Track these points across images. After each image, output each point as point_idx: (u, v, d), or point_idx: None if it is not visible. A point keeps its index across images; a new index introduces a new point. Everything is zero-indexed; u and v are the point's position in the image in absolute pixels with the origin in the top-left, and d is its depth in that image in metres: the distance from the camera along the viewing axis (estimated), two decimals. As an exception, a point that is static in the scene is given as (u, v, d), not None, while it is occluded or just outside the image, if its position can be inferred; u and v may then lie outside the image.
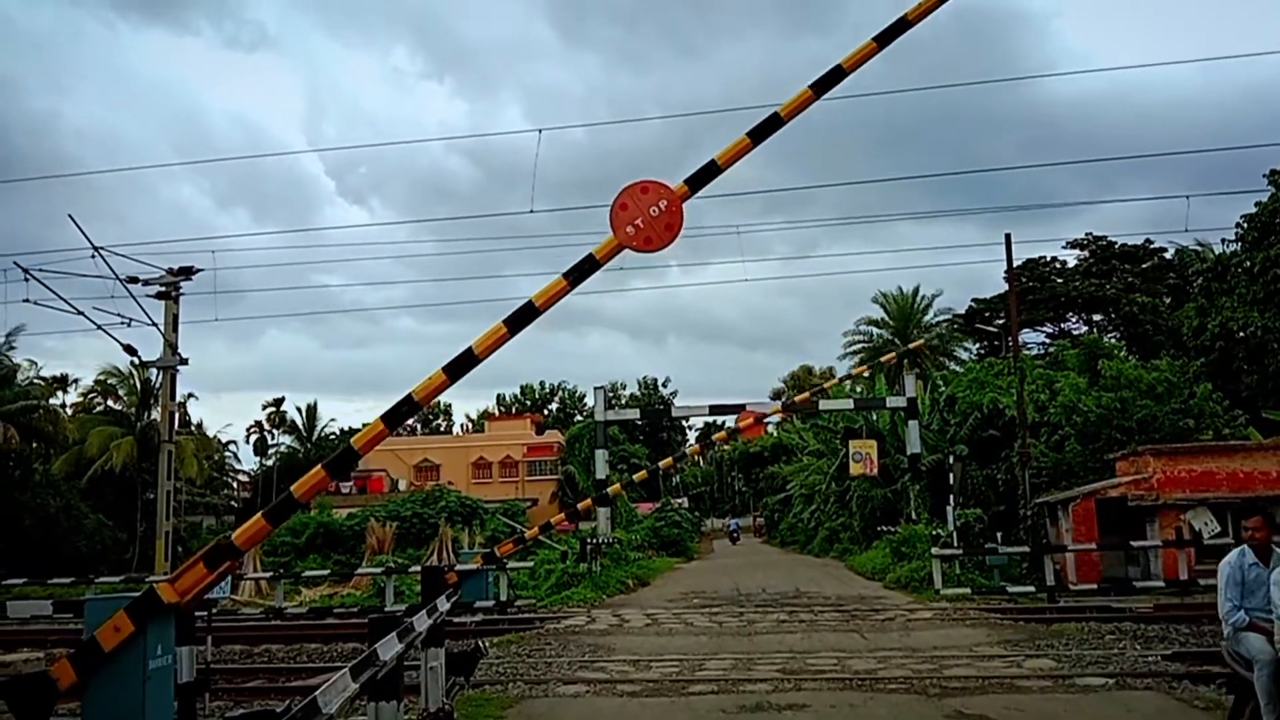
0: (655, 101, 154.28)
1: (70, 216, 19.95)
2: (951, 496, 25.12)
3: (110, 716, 5.53)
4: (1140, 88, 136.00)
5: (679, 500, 59.50)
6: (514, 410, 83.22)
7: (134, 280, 22.49)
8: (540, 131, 14.21)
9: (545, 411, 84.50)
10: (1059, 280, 49.62)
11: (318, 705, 4.20)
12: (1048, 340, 49.04)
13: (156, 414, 37.94)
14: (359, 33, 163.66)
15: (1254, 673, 6.45)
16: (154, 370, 31.42)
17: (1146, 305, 43.72)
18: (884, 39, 8.16)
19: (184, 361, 23.37)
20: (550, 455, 61.92)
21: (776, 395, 72.23)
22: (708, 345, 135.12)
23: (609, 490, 29.54)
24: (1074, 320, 50.02)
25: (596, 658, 12.61)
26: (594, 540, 25.73)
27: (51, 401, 46.88)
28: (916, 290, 53.74)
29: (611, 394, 77.17)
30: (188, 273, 23.42)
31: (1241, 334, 30.87)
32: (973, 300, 52.46)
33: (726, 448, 73.21)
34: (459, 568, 20.09)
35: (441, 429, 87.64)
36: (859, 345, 53.72)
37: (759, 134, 7.88)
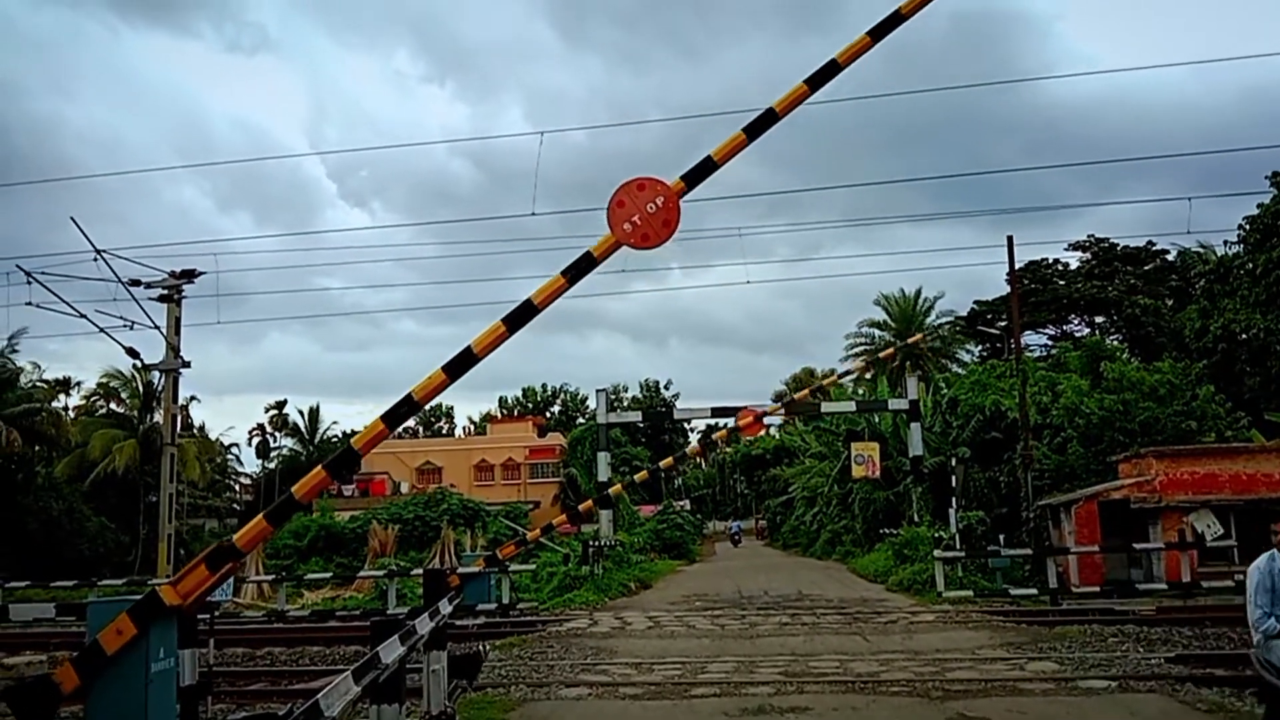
0: (656, 103, 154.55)
1: (72, 219, 20.06)
2: (954, 499, 25.11)
3: (112, 719, 5.54)
4: (1141, 89, 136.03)
5: (681, 503, 59.52)
6: (516, 413, 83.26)
7: (136, 283, 22.56)
8: (542, 134, 14.27)
9: (547, 414, 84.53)
10: (1061, 282, 49.60)
11: (320, 708, 4.20)
12: (1050, 342, 49.03)
13: (159, 417, 37.93)
14: (360, 36, 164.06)
15: None
16: (156, 373, 31.42)
17: (1149, 307, 43.68)
18: (878, 33, 8.16)
19: (186, 364, 23.42)
20: (552, 458, 61.96)
21: (779, 398, 72.11)
22: (710, 348, 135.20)
23: (610, 491, 29.53)
24: (1076, 322, 50.00)
25: (599, 660, 12.61)
26: (596, 543, 25.72)
27: (54, 404, 47.00)
28: (919, 292, 53.88)
29: (613, 396, 77.20)
30: (190, 275, 23.48)
31: (1244, 336, 30.85)
32: (975, 302, 52.52)
33: (728, 450, 73.18)
34: (461, 570, 19.96)
35: (444, 431, 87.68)
36: (861, 347, 53.77)
37: (754, 129, 7.88)
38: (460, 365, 7.16)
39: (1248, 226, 31.89)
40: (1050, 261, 50.61)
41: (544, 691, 10.32)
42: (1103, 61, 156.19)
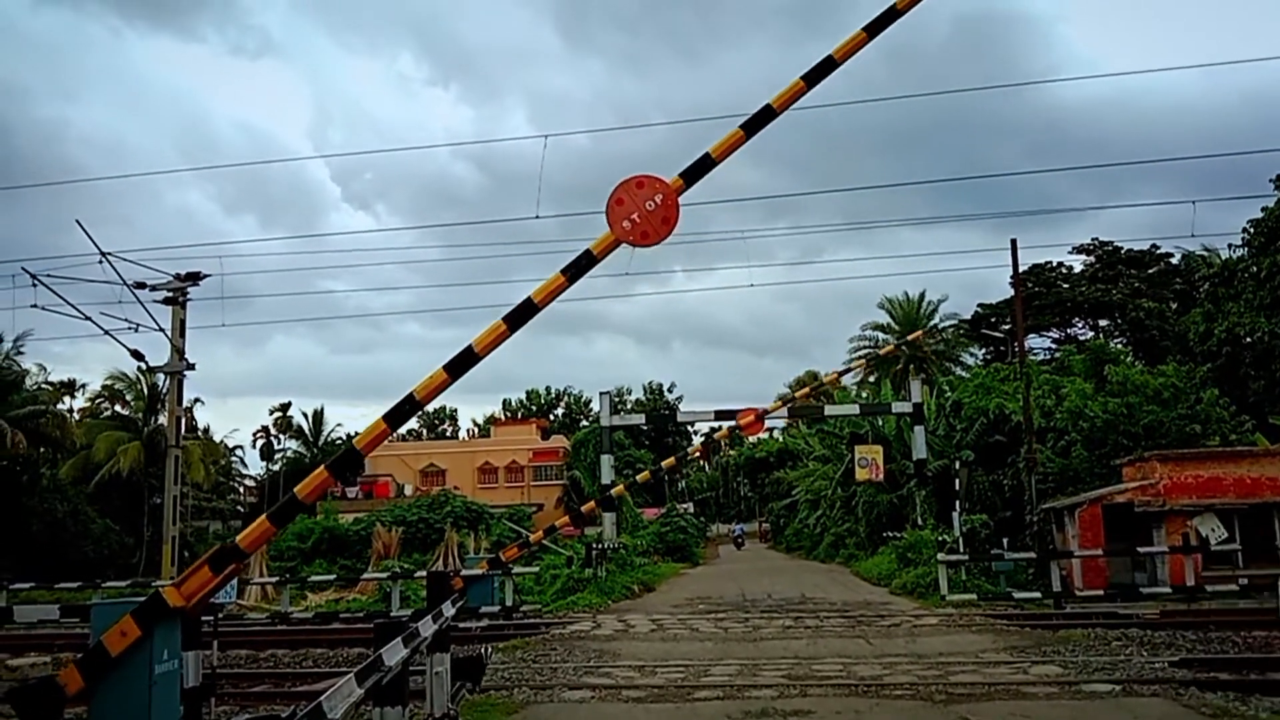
0: (659, 106, 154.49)
1: (78, 222, 20.11)
2: (957, 502, 25.07)
3: (117, 721, 5.56)
4: (1145, 93, 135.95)
5: (684, 505, 59.47)
6: (520, 415, 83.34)
7: (141, 286, 22.58)
8: (546, 137, 14.29)
9: (551, 417, 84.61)
10: (1065, 285, 49.53)
11: (323, 710, 4.22)
12: (1054, 346, 48.96)
13: (163, 419, 38.04)
14: (364, 39, 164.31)
15: None
16: (161, 375, 31.57)
17: (1153, 310, 43.60)
18: (874, 29, 8.19)
19: (191, 367, 23.44)
20: (556, 460, 62.01)
21: (783, 401, 72.11)
22: (713, 350, 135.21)
23: (612, 492, 29.52)
24: (1080, 325, 49.92)
25: (602, 663, 12.61)
26: (600, 545, 25.71)
27: (59, 406, 47.17)
28: (922, 295, 53.83)
29: (617, 399, 77.10)
30: (195, 278, 23.49)
31: (1248, 339, 30.78)
32: (978, 305, 52.46)
33: (732, 453, 73.14)
34: (464, 573, 20.08)
35: (447, 434, 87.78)
36: (864, 350, 53.73)
37: (752, 126, 7.90)
38: (461, 364, 7.18)
39: (1252, 230, 31.82)
40: (1054, 265, 50.56)
41: (547, 694, 10.32)
42: (1106, 64, 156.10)
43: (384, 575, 25.49)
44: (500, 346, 7.26)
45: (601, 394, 33.73)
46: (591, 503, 28.92)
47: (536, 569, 24.90)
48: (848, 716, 8.84)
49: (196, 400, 56.28)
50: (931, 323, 53.26)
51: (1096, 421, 26.29)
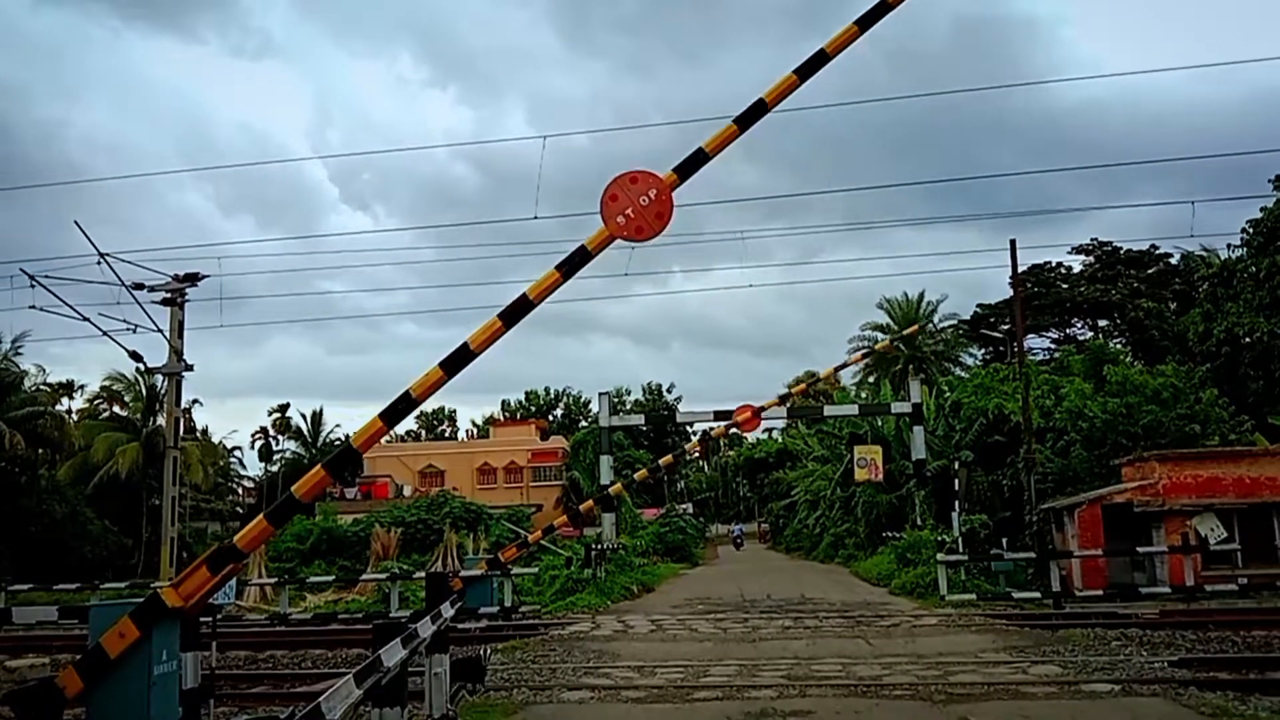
0: (659, 108, 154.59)
1: (76, 223, 20.11)
2: (957, 502, 25.06)
3: (115, 722, 5.54)
4: (1145, 93, 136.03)
5: (684, 506, 59.45)
6: (519, 416, 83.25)
7: (140, 286, 22.57)
8: (544, 138, 14.27)
9: (550, 417, 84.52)
10: (1064, 286, 49.56)
11: (322, 711, 4.21)
12: (1053, 346, 48.99)
13: (162, 420, 38.02)
14: (364, 41, 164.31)
15: None
16: (159, 376, 31.52)
17: (1152, 311, 43.62)
18: (865, 22, 8.19)
19: (189, 368, 23.42)
20: (555, 461, 61.98)
21: (782, 402, 72.14)
22: (712, 351, 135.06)
23: (611, 491, 29.48)
24: (1079, 326, 49.96)
25: (601, 664, 12.60)
26: (599, 546, 25.69)
27: (57, 407, 47.05)
28: (921, 295, 53.88)
29: (616, 399, 77.07)
30: (193, 279, 23.48)
31: (1247, 339, 30.82)
32: (978, 306, 52.53)
33: (731, 453, 73.10)
34: (463, 574, 20.07)
35: (446, 435, 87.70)
36: (864, 351, 53.75)
37: (745, 120, 7.89)
38: (457, 361, 7.16)
39: (1251, 230, 31.84)
40: (1053, 265, 50.63)
41: (546, 694, 10.31)
42: (1106, 65, 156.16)
43: (383, 576, 25.46)
44: (496, 343, 7.24)
45: (600, 395, 33.71)
46: (589, 501, 28.84)
47: (535, 570, 24.89)
48: (847, 717, 8.83)
49: (195, 401, 56.34)
50: (931, 323, 53.30)
51: (1096, 422, 26.30)
